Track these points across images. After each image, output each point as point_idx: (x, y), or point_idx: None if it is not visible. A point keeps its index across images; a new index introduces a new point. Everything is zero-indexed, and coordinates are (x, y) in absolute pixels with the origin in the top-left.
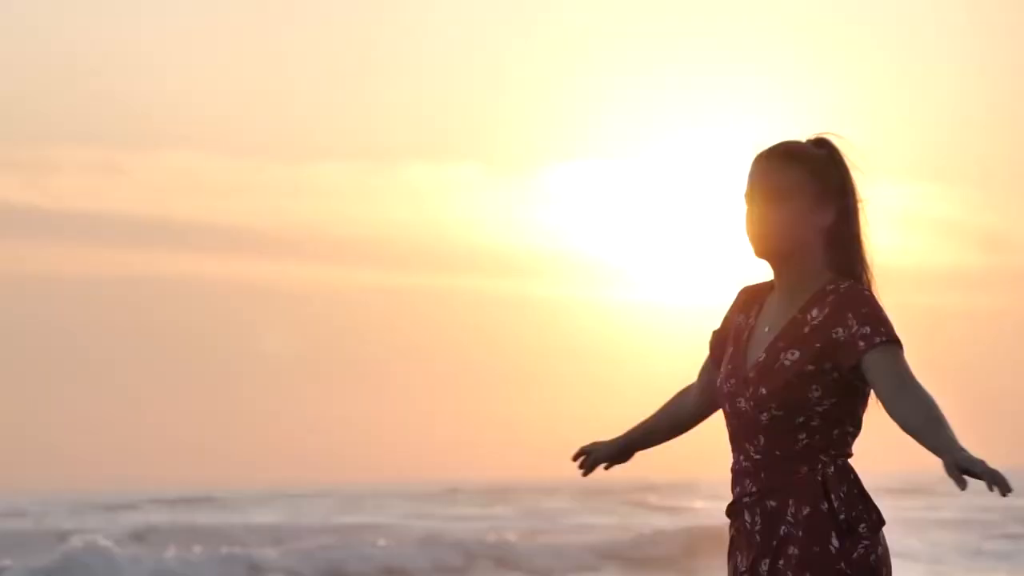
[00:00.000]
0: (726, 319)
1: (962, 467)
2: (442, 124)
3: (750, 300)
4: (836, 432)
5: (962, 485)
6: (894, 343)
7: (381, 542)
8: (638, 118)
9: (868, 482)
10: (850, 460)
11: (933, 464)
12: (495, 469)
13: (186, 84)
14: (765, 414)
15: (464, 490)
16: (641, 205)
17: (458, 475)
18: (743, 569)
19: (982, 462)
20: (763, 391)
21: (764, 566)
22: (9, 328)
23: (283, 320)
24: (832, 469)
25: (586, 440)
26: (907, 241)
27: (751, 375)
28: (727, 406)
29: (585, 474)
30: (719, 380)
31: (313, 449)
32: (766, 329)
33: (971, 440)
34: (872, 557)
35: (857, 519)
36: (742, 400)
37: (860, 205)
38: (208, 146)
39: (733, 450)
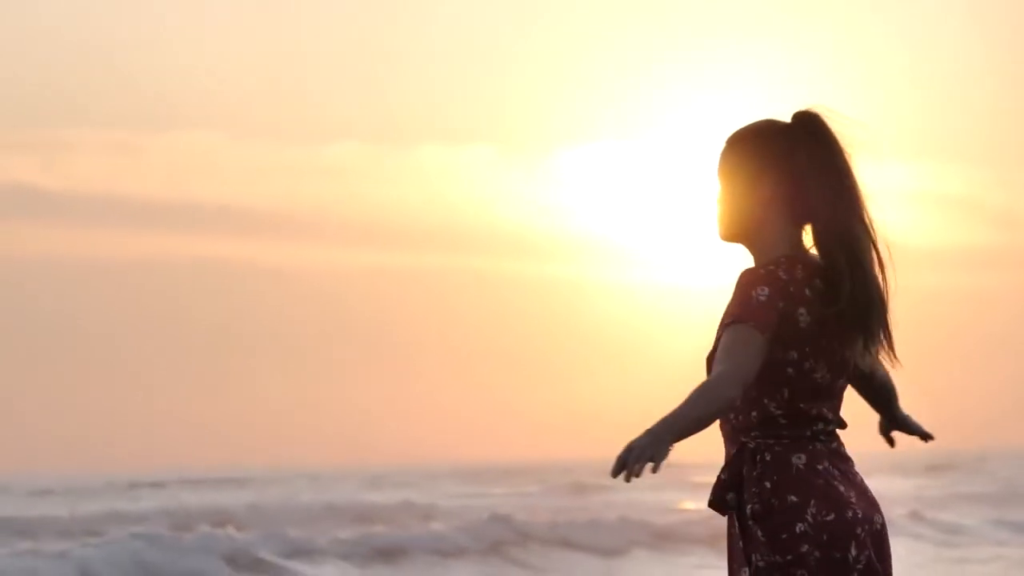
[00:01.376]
0: None
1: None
2: (455, 106)
3: None
4: (752, 413)
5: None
6: (737, 323)
7: (435, 524)
8: (651, 98)
9: None
10: (786, 443)
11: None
12: (511, 449)
13: (202, 67)
14: None
15: (494, 470)
16: (655, 186)
17: (475, 455)
18: None
19: (627, 448)
20: None
21: None
22: (26, 310)
23: (298, 301)
24: (749, 442)
25: (602, 420)
26: (917, 220)
27: None
28: None
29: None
30: None
31: (329, 430)
32: None
33: (980, 418)
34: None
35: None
36: None
37: (822, 172)
38: (224, 128)
39: None
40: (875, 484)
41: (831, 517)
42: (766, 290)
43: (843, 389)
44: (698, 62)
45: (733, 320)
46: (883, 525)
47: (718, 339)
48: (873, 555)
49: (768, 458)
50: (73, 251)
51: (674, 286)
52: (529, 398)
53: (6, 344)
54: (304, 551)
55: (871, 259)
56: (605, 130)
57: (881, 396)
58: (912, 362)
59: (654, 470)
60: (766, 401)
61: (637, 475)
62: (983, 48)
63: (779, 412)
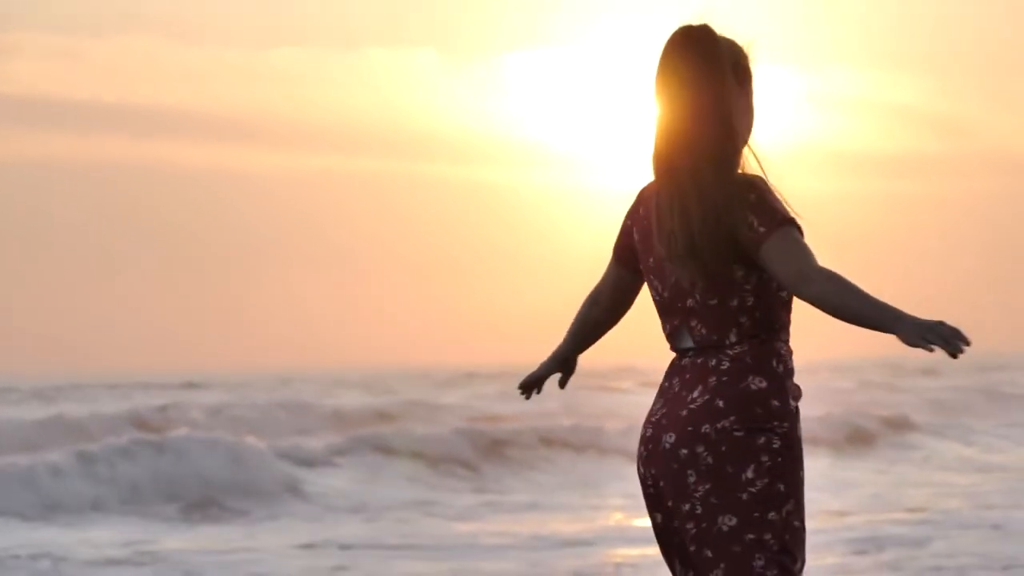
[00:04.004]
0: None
1: (924, 334)
2: (400, 10)
3: None
4: None
5: (931, 349)
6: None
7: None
8: (594, 4)
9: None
10: None
11: None
12: (456, 351)
13: None
14: None
15: (480, 375)
16: (597, 91)
17: (422, 358)
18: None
19: (941, 323)
20: None
21: None
22: None
23: (243, 204)
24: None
25: (544, 322)
26: (862, 127)
27: None
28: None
29: (527, 398)
30: None
31: (275, 333)
32: None
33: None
34: None
35: None
36: None
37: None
38: (168, 32)
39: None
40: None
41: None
42: None
43: (691, 307)
44: None
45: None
46: (673, 444)
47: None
48: (654, 473)
49: None
50: (15, 154)
51: (613, 190)
52: (469, 301)
53: None
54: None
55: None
56: (548, 36)
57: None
58: (859, 266)
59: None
60: None
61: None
62: None
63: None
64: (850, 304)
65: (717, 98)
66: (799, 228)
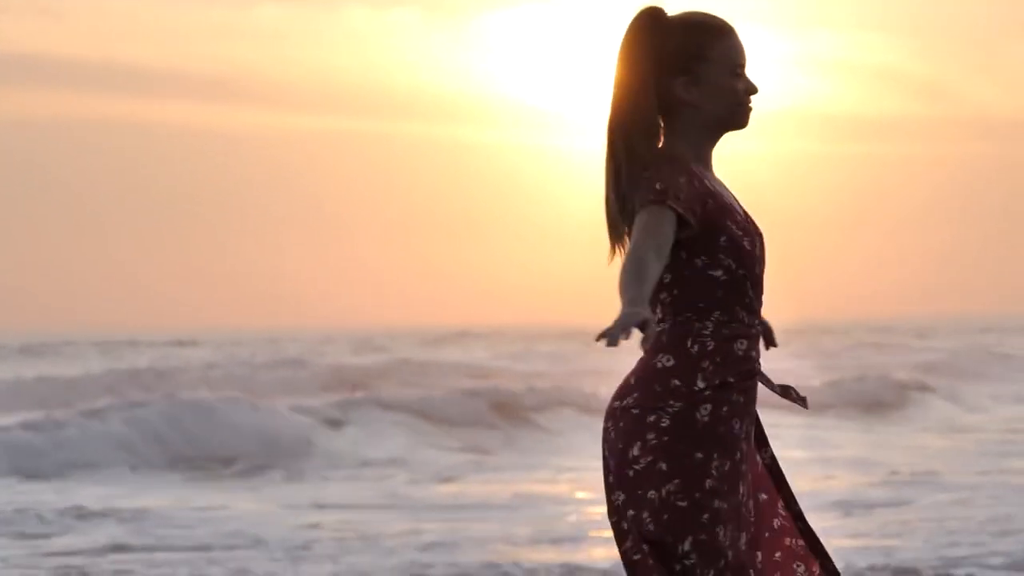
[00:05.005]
0: (691, 182)
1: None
2: None
3: (694, 165)
4: None
5: (768, 344)
6: None
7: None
8: None
9: None
10: None
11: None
12: (446, 314)
13: None
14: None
15: (473, 333)
16: (576, 50)
17: (412, 319)
18: (743, 436)
19: (629, 315)
20: (766, 258)
21: (751, 433)
22: None
23: (226, 163)
24: None
25: (528, 281)
26: (845, 90)
27: (759, 241)
28: (757, 268)
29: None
30: (747, 242)
31: (259, 293)
32: (729, 196)
33: (912, 286)
34: None
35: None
36: (761, 265)
37: None
38: None
39: (748, 313)
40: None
41: None
42: None
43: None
44: None
45: None
46: (608, 409)
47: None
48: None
49: None
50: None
51: (598, 151)
52: (452, 260)
53: None
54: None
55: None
56: None
57: None
58: (842, 228)
59: None
60: None
61: None
62: None
63: None
64: (620, 284)
65: (635, 85)
66: (666, 207)
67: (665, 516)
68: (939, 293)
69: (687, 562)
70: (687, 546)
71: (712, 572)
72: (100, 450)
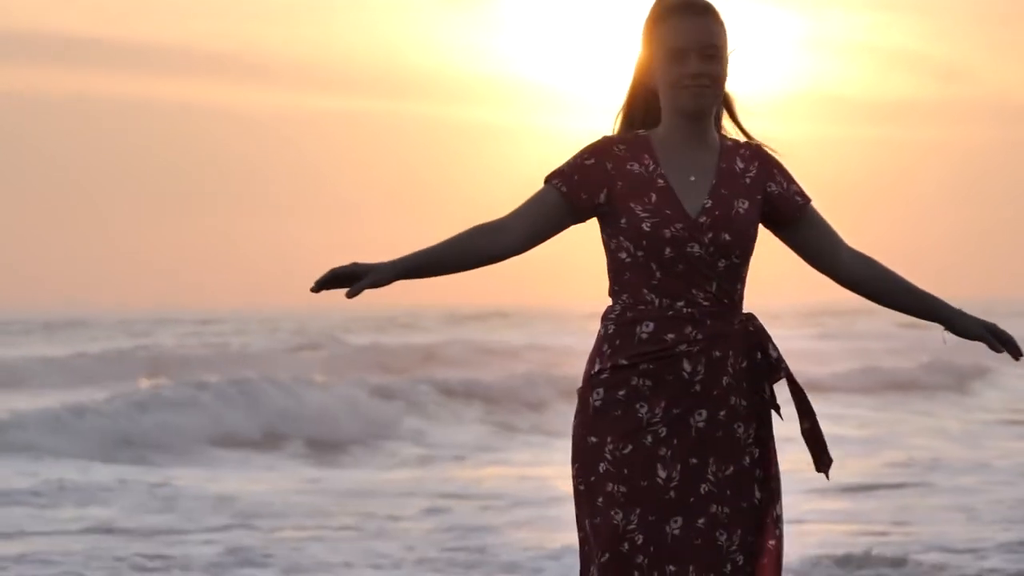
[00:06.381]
0: (591, 165)
1: (994, 332)
2: None
3: (634, 149)
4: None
5: (1017, 354)
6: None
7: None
8: None
9: None
10: None
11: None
12: (459, 295)
13: None
14: (724, 261)
15: (503, 313)
16: (596, 31)
17: (429, 299)
18: (655, 420)
19: (995, 326)
20: (726, 237)
21: (700, 416)
22: None
23: (238, 142)
24: (758, 321)
25: (543, 263)
26: (860, 72)
27: (703, 220)
28: (668, 251)
29: (352, 295)
30: (650, 225)
31: (271, 271)
32: (692, 178)
33: (927, 270)
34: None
35: (786, 369)
36: (696, 246)
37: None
38: None
39: (662, 296)
40: None
41: None
42: None
43: None
44: None
45: (809, 200)
46: None
47: (765, 203)
48: None
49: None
50: (9, 88)
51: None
52: None
53: None
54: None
55: None
56: None
57: None
58: (855, 211)
59: None
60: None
61: None
62: None
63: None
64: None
65: (635, 63)
66: (549, 186)
67: (574, 500)
68: (954, 277)
69: (586, 547)
70: (587, 529)
71: (608, 557)
72: (190, 428)
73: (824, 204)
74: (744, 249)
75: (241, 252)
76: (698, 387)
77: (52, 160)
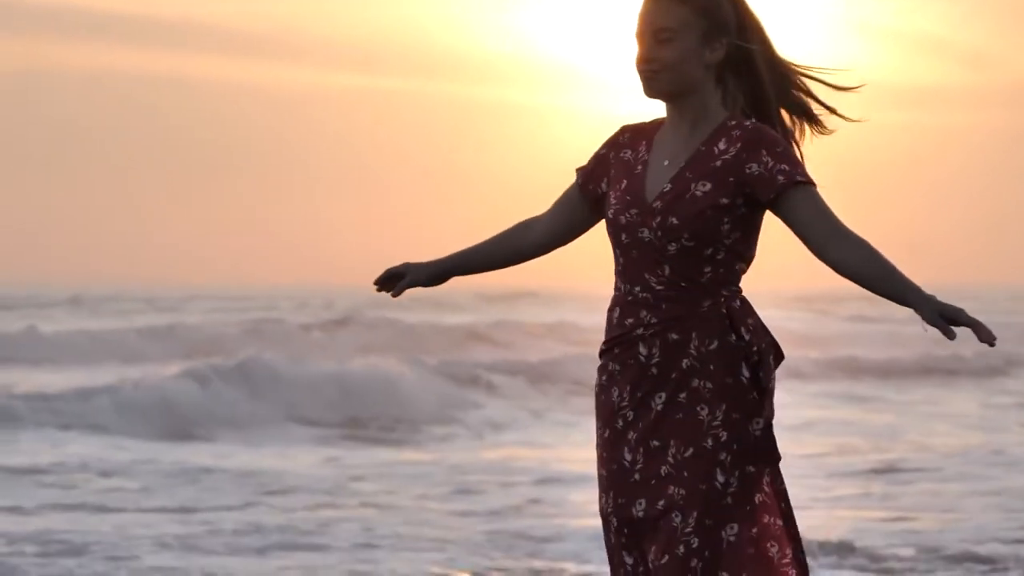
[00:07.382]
0: (602, 156)
1: (946, 316)
2: None
3: (635, 137)
4: (737, 266)
5: (951, 335)
6: (813, 185)
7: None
8: None
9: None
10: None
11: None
12: (487, 275)
13: None
14: (674, 244)
15: (536, 292)
16: (625, 11)
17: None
18: (624, 403)
19: (963, 311)
20: (673, 221)
21: (659, 399)
22: None
23: (267, 120)
24: (737, 303)
25: (570, 245)
26: (887, 57)
27: (656, 205)
28: (624, 237)
29: (395, 295)
30: (612, 212)
31: (295, 249)
32: (665, 162)
33: (953, 255)
34: (773, 385)
35: (766, 350)
36: (646, 230)
37: (763, 41)
38: None
39: (624, 281)
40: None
41: None
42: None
43: None
44: None
45: (808, 181)
46: None
47: (741, 184)
48: None
49: (753, 310)
50: (43, 64)
51: (641, 115)
52: (493, 220)
53: None
54: None
55: None
56: None
57: None
58: (880, 197)
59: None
60: (745, 255)
61: None
62: None
63: (745, 266)
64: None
65: None
66: (576, 179)
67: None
68: (979, 262)
69: None
70: (605, 502)
71: (604, 537)
72: (259, 408)
73: (849, 189)
74: (696, 231)
75: (272, 229)
76: (655, 370)
77: (85, 137)
